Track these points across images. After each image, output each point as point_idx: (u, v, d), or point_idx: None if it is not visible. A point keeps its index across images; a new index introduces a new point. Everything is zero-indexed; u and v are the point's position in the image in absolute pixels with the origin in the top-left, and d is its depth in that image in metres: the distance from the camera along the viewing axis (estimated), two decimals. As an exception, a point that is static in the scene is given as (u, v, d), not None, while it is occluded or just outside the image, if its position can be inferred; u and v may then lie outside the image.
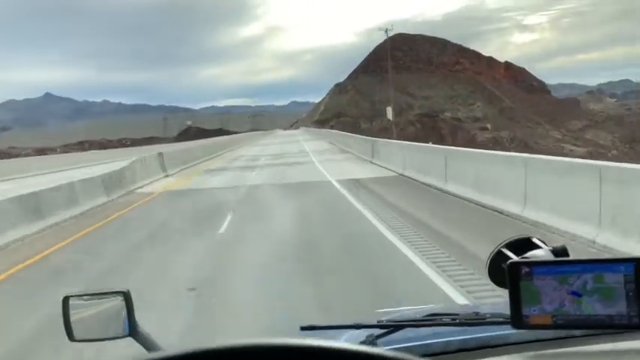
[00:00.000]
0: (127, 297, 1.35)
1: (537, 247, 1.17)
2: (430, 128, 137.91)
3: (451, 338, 1.16)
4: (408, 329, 1.17)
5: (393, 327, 1.16)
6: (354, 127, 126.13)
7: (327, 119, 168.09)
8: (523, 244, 1.18)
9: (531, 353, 1.08)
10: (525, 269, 0.95)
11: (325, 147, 37.88)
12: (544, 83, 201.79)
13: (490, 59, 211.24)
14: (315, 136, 65.41)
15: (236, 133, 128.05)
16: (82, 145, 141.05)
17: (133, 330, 1.35)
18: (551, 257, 1.11)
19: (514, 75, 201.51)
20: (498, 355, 1.08)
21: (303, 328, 1.20)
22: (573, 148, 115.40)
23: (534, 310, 0.94)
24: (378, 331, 1.16)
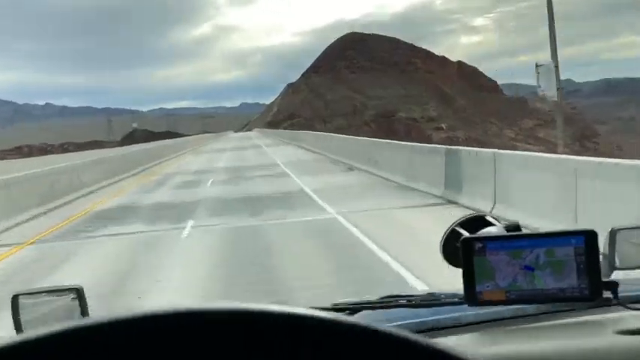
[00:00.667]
0: (79, 293, 1.25)
1: (491, 224, 1.14)
2: (386, 129, 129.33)
3: (408, 321, 1.13)
4: (364, 312, 1.12)
5: (348, 310, 1.11)
6: (309, 129, 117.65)
7: (281, 120, 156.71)
8: (477, 223, 1.15)
9: (487, 331, 1.07)
10: (478, 245, 0.92)
11: (304, 157, 24.38)
12: (495, 82, 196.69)
13: (443, 59, 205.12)
14: (276, 139, 52.18)
15: (185, 135, 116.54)
16: (20, 150, 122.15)
17: None
18: (504, 233, 1.08)
19: (466, 74, 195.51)
20: (455, 334, 1.08)
21: None
22: (528, 146, 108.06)
23: (488, 286, 0.92)
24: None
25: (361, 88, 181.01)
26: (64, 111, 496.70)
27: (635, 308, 1.00)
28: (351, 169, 16.65)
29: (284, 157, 24.76)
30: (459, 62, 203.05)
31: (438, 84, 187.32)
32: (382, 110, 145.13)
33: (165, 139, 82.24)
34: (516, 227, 1.11)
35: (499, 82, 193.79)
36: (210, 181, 16.52)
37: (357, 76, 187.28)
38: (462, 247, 0.92)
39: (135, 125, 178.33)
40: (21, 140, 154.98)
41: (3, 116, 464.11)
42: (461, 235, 1.05)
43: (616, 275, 1.03)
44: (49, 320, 1.23)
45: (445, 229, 1.14)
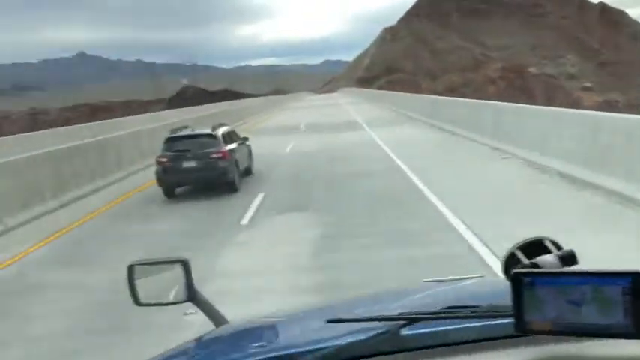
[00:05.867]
0: (185, 264, 1.45)
1: (548, 250, 1.25)
2: (518, 87, 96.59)
3: (466, 330, 1.25)
4: (422, 324, 1.26)
5: (413, 320, 1.27)
6: (412, 86, 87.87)
7: (375, 76, 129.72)
8: (535, 246, 1.27)
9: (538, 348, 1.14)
10: (527, 279, 0.99)
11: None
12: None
13: (580, 2, 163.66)
14: (405, 111, 26.94)
15: (251, 96, 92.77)
16: (78, 110, 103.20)
17: (192, 295, 1.46)
18: (556, 264, 1.18)
19: (610, 21, 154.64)
20: (509, 346, 1.18)
21: (329, 321, 1.28)
22: None
23: (536, 317, 0.99)
24: (401, 322, 1.27)
25: (478, 37, 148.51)
26: (152, 67, 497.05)
27: None
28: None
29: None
30: (602, 5, 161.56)
31: (575, 32, 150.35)
32: (508, 65, 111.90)
33: (221, 100, 67.77)
34: (571, 256, 1.18)
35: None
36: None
37: (471, 21, 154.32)
38: (512, 280, 0.98)
39: (185, 82, 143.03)
40: (98, 97, 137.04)
41: (96, 72, 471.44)
42: (519, 259, 1.21)
43: None
44: (159, 287, 1.44)
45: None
